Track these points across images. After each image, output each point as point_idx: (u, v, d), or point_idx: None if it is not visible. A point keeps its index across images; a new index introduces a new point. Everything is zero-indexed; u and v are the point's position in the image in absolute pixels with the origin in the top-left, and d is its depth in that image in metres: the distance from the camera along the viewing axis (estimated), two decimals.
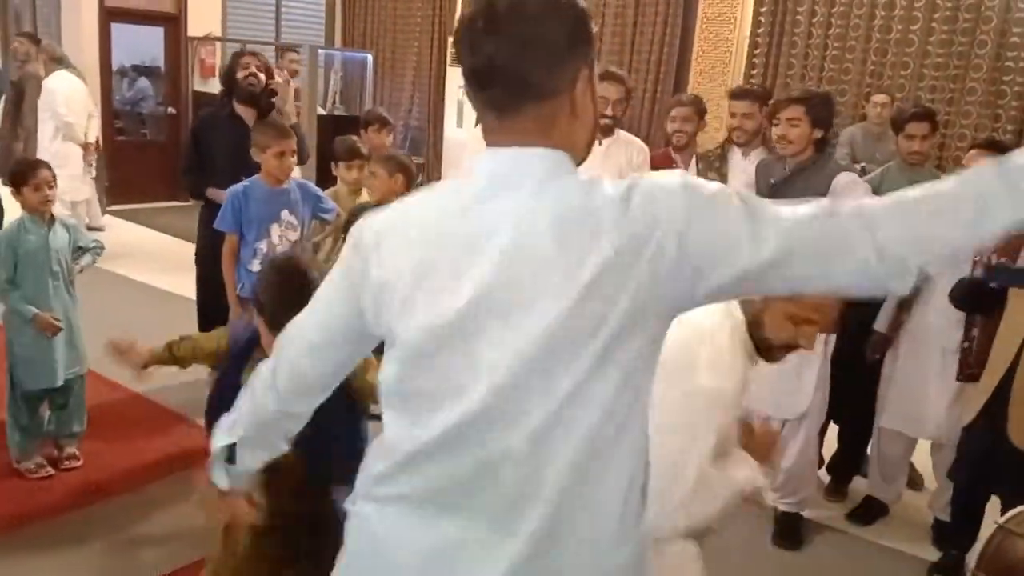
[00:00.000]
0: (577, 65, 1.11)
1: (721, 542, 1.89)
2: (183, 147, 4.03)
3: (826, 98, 3.27)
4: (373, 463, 1.22)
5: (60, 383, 3.25)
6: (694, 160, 3.87)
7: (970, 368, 2.98)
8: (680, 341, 1.66)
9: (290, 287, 1.86)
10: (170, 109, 8.96)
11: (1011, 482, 2.73)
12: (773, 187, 3.16)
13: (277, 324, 1.51)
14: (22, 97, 6.51)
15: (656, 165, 4.04)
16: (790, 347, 1.78)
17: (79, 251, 3.32)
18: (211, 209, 3.73)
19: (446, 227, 1.12)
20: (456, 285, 1.09)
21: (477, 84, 1.12)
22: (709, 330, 1.70)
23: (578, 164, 1.15)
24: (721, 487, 1.65)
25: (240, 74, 3.91)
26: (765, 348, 1.78)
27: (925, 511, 3.38)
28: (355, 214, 3.45)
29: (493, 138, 1.13)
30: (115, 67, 8.63)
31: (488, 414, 1.08)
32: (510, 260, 1.07)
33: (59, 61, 6.19)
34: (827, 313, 1.75)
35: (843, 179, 3.06)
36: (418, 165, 8.07)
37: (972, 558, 2.47)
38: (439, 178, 8.39)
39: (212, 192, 3.79)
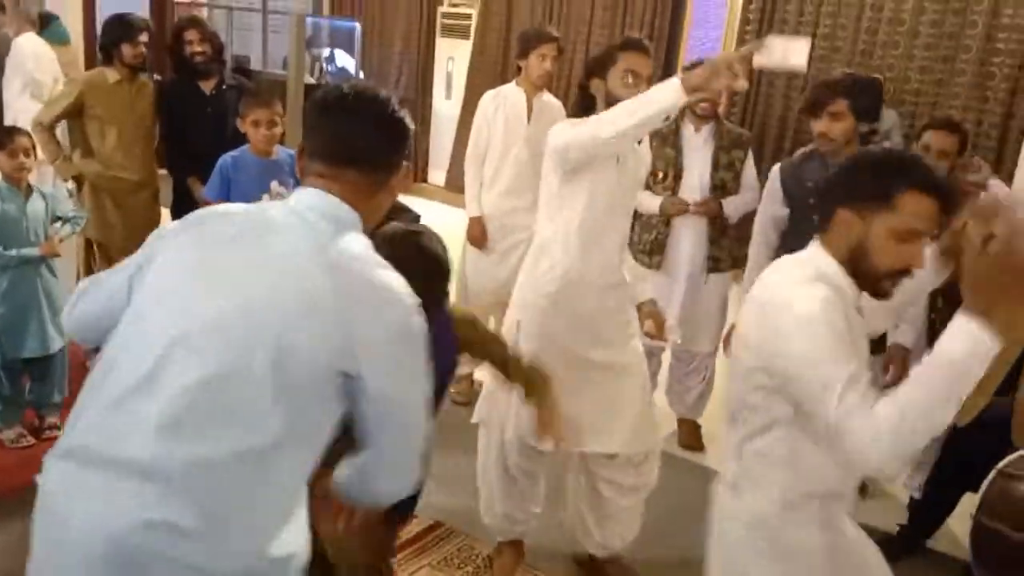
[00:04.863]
0: (401, 158, 1.54)
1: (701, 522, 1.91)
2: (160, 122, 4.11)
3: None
4: None
5: (51, 351, 3.25)
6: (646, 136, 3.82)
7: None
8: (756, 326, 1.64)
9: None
10: (155, 76, 8.83)
11: None
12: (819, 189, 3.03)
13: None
14: None
15: None
16: (900, 273, 1.67)
17: (58, 220, 3.29)
18: (182, 192, 3.98)
19: None
20: None
21: (327, 152, 1.48)
22: (785, 302, 1.62)
23: (369, 229, 1.51)
24: None
25: (187, 51, 3.94)
26: (873, 282, 1.67)
27: (901, 489, 3.42)
28: None
29: (320, 180, 1.47)
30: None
31: None
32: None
33: (32, 24, 6.09)
34: (930, 222, 1.64)
35: None
36: None
37: (974, 506, 2.49)
38: (427, 149, 8.34)
39: (192, 182, 3.88)
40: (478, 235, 3.95)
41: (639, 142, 2.64)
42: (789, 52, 2.08)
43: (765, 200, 3.33)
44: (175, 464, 1.27)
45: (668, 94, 2.16)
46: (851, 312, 1.66)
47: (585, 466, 2.76)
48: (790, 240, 2.96)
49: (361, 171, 1.48)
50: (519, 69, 3.99)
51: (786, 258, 1.78)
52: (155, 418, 1.28)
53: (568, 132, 2.47)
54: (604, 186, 2.53)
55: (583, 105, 2.60)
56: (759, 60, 2.08)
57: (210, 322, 1.33)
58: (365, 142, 1.48)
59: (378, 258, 1.45)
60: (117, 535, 1.25)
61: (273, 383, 1.31)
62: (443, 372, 2.05)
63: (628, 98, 2.31)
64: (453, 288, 2.49)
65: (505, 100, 3.98)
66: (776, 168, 3.31)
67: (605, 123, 2.32)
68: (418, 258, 1.88)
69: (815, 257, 1.70)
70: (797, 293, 1.62)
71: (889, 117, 5.27)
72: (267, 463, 1.32)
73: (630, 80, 2.48)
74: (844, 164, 1.81)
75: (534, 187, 4.02)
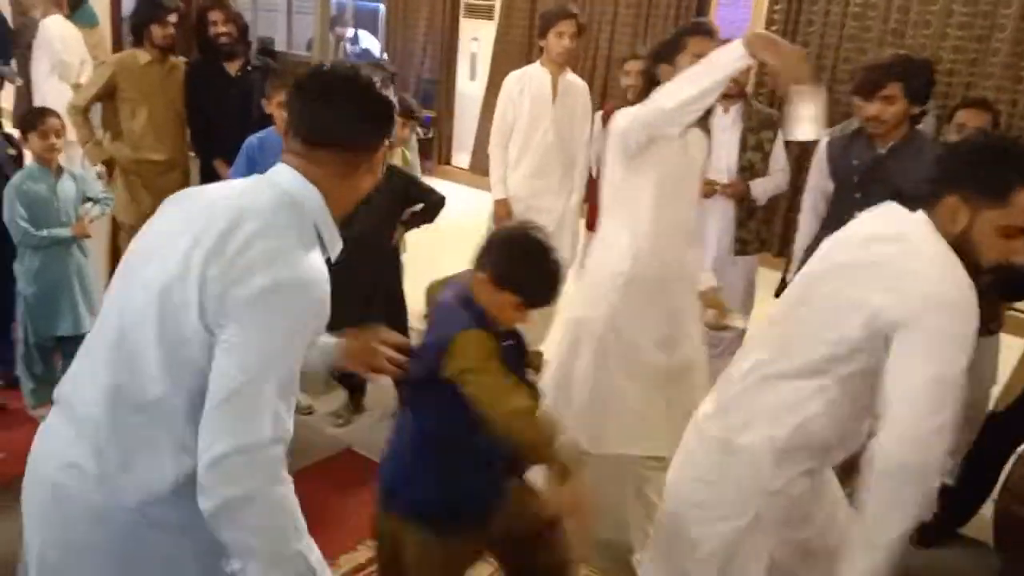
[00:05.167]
0: (380, 139, 1.53)
1: None
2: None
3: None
4: None
5: (83, 331, 3.28)
6: None
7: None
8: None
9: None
10: (180, 57, 8.88)
11: None
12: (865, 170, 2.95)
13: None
14: (27, 44, 6.48)
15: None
16: (998, 267, 1.68)
17: (88, 202, 3.32)
18: (209, 174, 3.94)
19: None
20: None
21: (302, 132, 1.48)
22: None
23: (348, 210, 1.52)
24: None
25: (211, 32, 3.93)
26: (972, 273, 1.65)
27: None
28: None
29: (296, 159, 1.48)
30: (125, 15, 8.54)
31: None
32: None
33: (59, 6, 6.13)
34: None
35: None
36: (430, 118, 8.01)
37: (996, 490, 2.49)
38: (451, 131, 8.32)
39: (219, 164, 3.87)
40: (504, 217, 3.94)
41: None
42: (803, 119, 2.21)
43: (813, 172, 3.27)
44: (86, 412, 1.42)
45: (732, 57, 2.12)
46: None
47: (633, 469, 2.67)
48: (831, 219, 2.89)
49: (334, 152, 1.48)
50: (541, 49, 3.97)
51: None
52: (97, 369, 1.43)
53: (629, 115, 2.41)
54: (670, 168, 2.45)
55: (649, 92, 2.45)
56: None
57: (137, 291, 1.42)
58: (338, 123, 1.49)
59: (286, 240, 1.39)
60: (48, 472, 1.45)
61: (160, 350, 1.37)
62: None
63: None
64: None
65: (530, 81, 3.95)
66: (824, 141, 3.22)
67: (668, 94, 2.27)
68: (542, 260, 1.83)
69: (922, 228, 1.68)
70: (946, 260, 1.63)
71: None
72: (154, 417, 1.39)
73: None
74: (957, 150, 1.77)
75: (560, 168, 4.03)
